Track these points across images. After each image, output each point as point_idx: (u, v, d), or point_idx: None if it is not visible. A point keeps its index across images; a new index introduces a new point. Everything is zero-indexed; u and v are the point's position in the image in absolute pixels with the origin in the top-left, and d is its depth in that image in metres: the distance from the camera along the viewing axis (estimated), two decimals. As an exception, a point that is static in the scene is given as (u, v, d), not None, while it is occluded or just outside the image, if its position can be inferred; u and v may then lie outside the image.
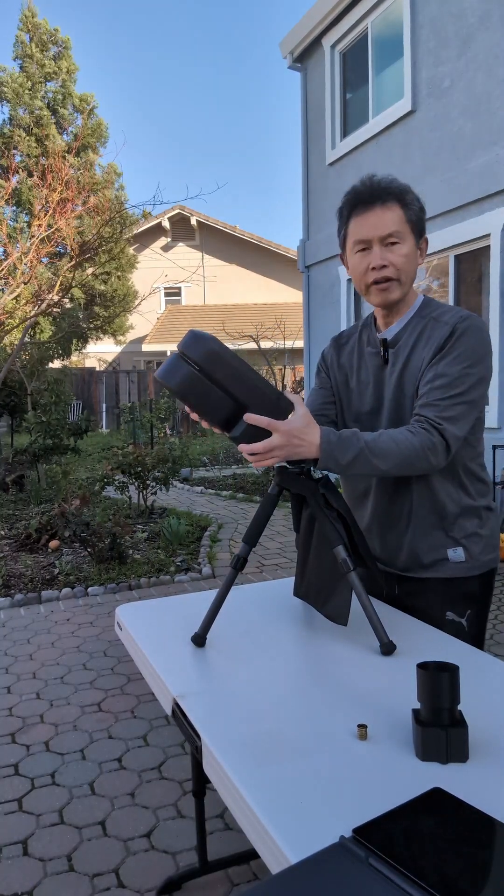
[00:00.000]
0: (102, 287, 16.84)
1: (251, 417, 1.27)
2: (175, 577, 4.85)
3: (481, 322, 1.49)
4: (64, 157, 12.08)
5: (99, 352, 22.40)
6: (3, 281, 8.82)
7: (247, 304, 22.33)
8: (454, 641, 1.38)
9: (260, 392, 1.27)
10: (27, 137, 17.09)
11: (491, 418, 5.92)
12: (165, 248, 23.13)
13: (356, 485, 1.68)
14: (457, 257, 6.40)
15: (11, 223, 16.13)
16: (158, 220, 22.22)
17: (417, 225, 1.51)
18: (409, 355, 1.53)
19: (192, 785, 2.04)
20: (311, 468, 1.42)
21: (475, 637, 1.58)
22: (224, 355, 1.24)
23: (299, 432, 1.31)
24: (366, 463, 1.38)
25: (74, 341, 16.18)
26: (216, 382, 1.26)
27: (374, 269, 1.50)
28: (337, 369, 1.71)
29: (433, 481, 1.53)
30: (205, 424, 1.34)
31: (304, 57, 8.74)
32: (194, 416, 1.31)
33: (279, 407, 1.30)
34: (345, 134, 8.11)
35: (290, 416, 1.34)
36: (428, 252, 6.58)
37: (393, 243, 1.48)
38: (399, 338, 1.56)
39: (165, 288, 23.21)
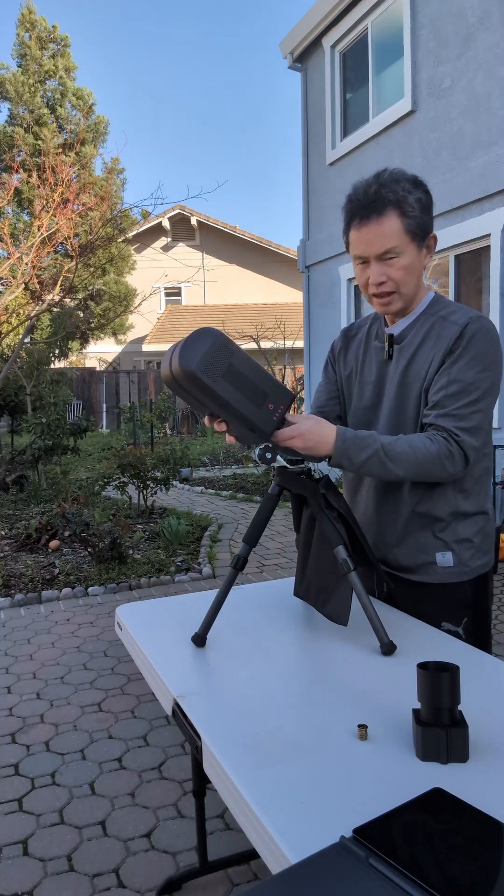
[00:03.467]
0: (101, 285, 16.84)
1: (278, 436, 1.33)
2: (175, 577, 4.85)
3: (491, 324, 1.46)
4: (61, 155, 12.08)
5: (99, 352, 22.41)
6: (2, 281, 8.82)
7: (247, 304, 22.33)
8: (454, 641, 1.38)
9: (236, 416, 1.27)
10: (26, 135, 17.08)
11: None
12: (166, 248, 23.13)
13: (353, 477, 1.68)
14: (457, 257, 6.40)
15: (15, 218, 16.13)
16: (158, 220, 22.22)
17: (420, 230, 1.44)
18: (415, 353, 1.51)
19: (192, 785, 2.04)
20: (311, 468, 1.43)
21: (476, 643, 1.55)
22: (200, 378, 1.20)
23: (312, 428, 1.36)
24: (380, 465, 1.39)
25: (74, 342, 16.20)
26: (190, 393, 1.26)
27: (373, 284, 1.49)
28: (343, 362, 1.70)
29: (430, 482, 1.51)
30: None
31: (305, 57, 8.74)
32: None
33: (251, 434, 1.31)
34: (345, 134, 8.12)
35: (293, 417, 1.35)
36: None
37: (390, 258, 1.45)
38: (406, 334, 1.54)
39: (165, 288, 23.21)
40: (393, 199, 1.41)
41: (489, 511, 1.58)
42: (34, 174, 9.94)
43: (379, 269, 1.46)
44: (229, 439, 1.37)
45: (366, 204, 1.43)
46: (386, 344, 1.57)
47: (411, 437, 1.41)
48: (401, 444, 1.39)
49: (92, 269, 12.86)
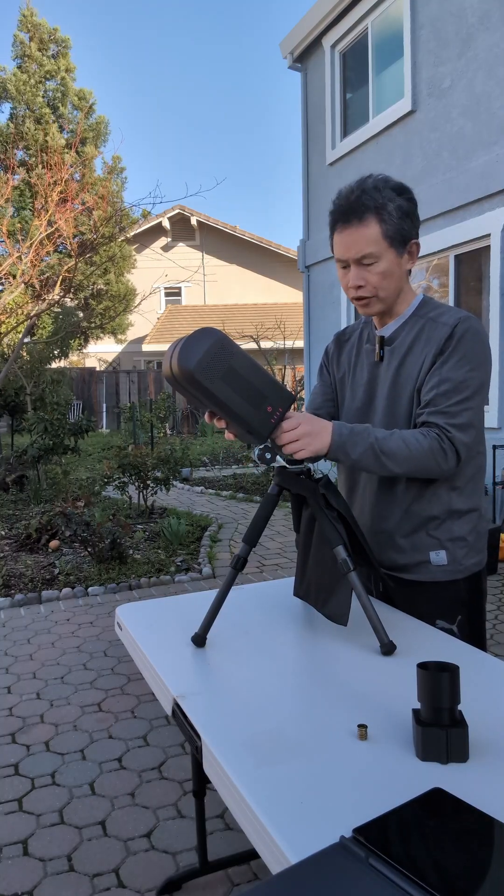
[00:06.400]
0: (101, 284, 16.85)
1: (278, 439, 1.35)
2: (175, 577, 4.85)
3: (479, 324, 1.49)
4: (63, 155, 12.07)
5: (99, 352, 22.40)
6: (3, 281, 8.81)
7: (247, 304, 22.33)
8: (454, 641, 1.38)
9: (233, 418, 1.27)
10: (35, 131, 17.09)
11: (491, 418, 5.92)
12: (165, 248, 23.13)
13: (348, 477, 1.70)
14: (457, 257, 6.40)
15: (16, 215, 16.12)
16: (158, 220, 22.22)
17: (398, 237, 1.47)
18: (406, 354, 1.54)
19: (192, 785, 2.04)
20: (311, 468, 1.43)
21: (471, 641, 1.57)
22: (198, 379, 1.20)
23: (311, 418, 1.37)
24: (374, 459, 1.41)
25: (75, 341, 16.19)
26: (189, 392, 1.27)
27: (351, 287, 1.53)
28: (336, 365, 1.73)
29: (425, 480, 1.53)
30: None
31: (305, 57, 8.74)
32: None
33: (248, 435, 1.31)
34: (345, 134, 8.11)
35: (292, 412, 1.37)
36: (428, 252, 6.60)
37: (368, 264, 1.48)
38: (396, 336, 1.57)
39: (165, 288, 23.21)
40: (372, 205, 1.45)
41: (482, 509, 1.60)
42: (39, 171, 9.93)
43: (357, 273, 1.50)
44: (228, 435, 1.38)
45: (347, 209, 1.47)
46: (377, 346, 1.60)
47: (404, 432, 1.43)
48: (394, 438, 1.42)
49: (93, 268, 12.85)
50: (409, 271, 1.57)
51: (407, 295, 1.57)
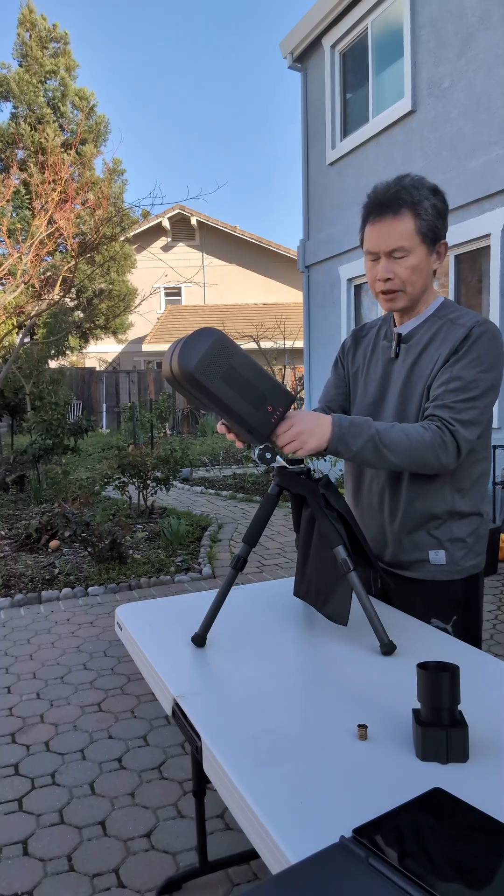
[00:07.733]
0: (103, 284, 16.86)
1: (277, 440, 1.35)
2: (175, 577, 4.85)
3: (496, 328, 1.50)
4: (62, 155, 12.05)
5: (99, 352, 22.40)
6: (2, 282, 8.81)
7: (247, 304, 22.33)
8: (454, 641, 1.38)
9: (234, 418, 1.27)
10: (32, 132, 17.08)
11: (491, 418, 5.92)
12: (165, 248, 23.12)
13: (353, 472, 1.70)
14: (457, 257, 6.40)
15: (14, 215, 16.11)
16: (158, 220, 22.22)
17: (431, 234, 1.50)
18: (421, 353, 1.55)
19: (192, 785, 2.04)
20: (311, 468, 1.43)
21: (466, 642, 1.57)
22: (198, 379, 1.20)
23: (308, 415, 1.37)
24: (375, 452, 1.41)
25: (76, 340, 16.19)
26: (189, 392, 1.27)
27: (380, 280, 1.54)
28: (351, 360, 1.75)
29: (429, 479, 1.54)
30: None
31: (305, 57, 8.74)
32: None
33: (249, 435, 1.31)
34: (345, 134, 8.11)
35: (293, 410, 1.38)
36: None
37: (399, 257, 1.50)
38: (413, 334, 1.58)
39: (165, 288, 23.20)
40: (409, 200, 1.48)
41: (484, 514, 1.60)
42: (36, 171, 9.92)
43: (387, 265, 1.52)
44: (240, 444, 1.39)
45: (383, 202, 1.49)
46: (394, 343, 1.61)
47: (405, 425, 1.44)
48: (395, 431, 1.42)
49: (94, 268, 12.85)
50: (435, 272, 1.59)
51: (429, 295, 1.60)
